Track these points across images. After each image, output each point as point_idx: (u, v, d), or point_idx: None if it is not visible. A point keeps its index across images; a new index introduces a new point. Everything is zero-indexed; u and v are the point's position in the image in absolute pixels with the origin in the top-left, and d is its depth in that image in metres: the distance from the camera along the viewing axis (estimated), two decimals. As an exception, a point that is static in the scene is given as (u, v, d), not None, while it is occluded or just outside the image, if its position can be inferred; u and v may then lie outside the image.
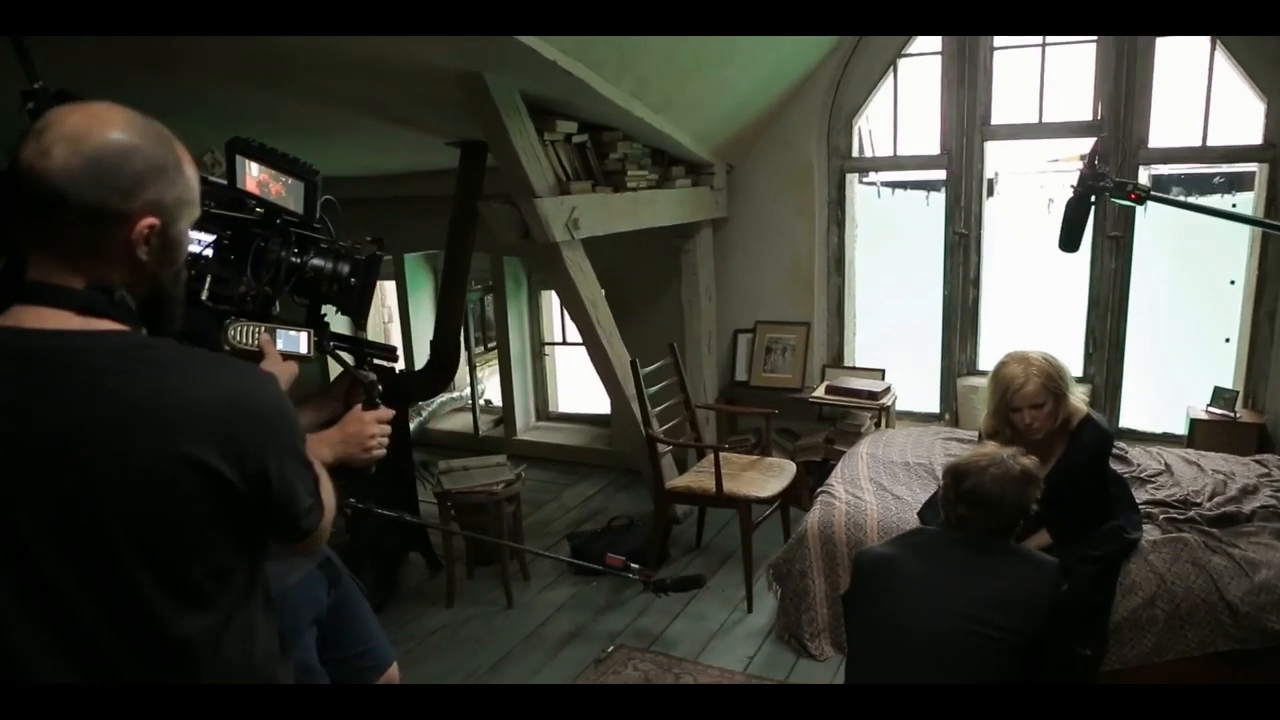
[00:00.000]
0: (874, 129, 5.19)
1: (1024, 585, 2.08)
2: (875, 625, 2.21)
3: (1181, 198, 4.08)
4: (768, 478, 3.98)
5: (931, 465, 3.93)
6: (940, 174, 4.92)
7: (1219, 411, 4.33)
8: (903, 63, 4.83)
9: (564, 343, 6.29)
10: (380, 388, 1.89)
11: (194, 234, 1.65)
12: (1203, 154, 4.42)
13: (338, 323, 1.92)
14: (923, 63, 4.80)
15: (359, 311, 1.85)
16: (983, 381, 4.82)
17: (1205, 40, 4.22)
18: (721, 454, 3.87)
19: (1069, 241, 2.44)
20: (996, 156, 4.93)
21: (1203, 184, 4.78)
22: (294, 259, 1.77)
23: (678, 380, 4.36)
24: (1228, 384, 4.47)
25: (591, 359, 4.26)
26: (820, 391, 4.89)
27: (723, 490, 3.79)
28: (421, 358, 5.48)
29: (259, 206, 1.73)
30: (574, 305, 3.95)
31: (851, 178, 5.12)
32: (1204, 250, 4.75)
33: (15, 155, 1.07)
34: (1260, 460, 3.85)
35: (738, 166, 5.08)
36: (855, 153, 5.08)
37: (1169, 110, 4.44)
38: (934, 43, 4.70)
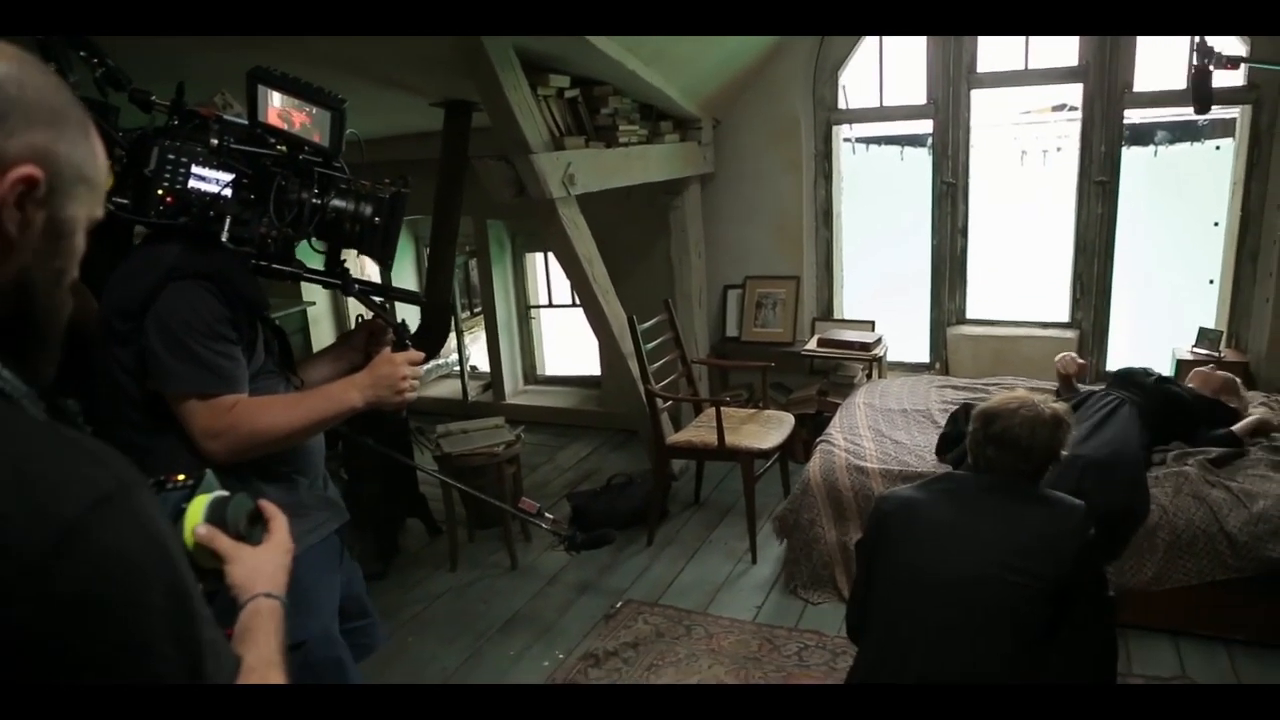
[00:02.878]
0: (859, 81, 5.18)
1: (1051, 530, 2.04)
2: (898, 571, 2.15)
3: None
4: (768, 430, 4.00)
5: (929, 411, 3.97)
6: (918, 128, 4.93)
7: (1204, 352, 4.40)
8: (888, 12, 4.80)
9: (550, 305, 6.26)
10: (410, 330, 1.87)
11: (212, 174, 1.61)
12: (1185, 97, 4.43)
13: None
14: (908, 11, 4.77)
15: (384, 254, 1.80)
16: (971, 330, 4.91)
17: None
18: (721, 408, 3.87)
19: (1202, 106, 2.92)
20: (977, 106, 4.94)
21: (1187, 130, 4.83)
22: (316, 199, 1.73)
23: (673, 336, 4.36)
24: (1211, 324, 4.55)
25: (588, 317, 4.24)
26: (812, 345, 4.90)
27: (725, 443, 3.80)
28: (411, 325, 5.40)
29: (281, 143, 1.69)
30: (570, 263, 3.91)
31: (838, 130, 5.10)
32: (1188, 193, 4.80)
33: None
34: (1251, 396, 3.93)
35: (724, 121, 5.05)
36: (841, 105, 5.06)
37: (1153, 54, 4.47)
38: (919, -9, 4.68)
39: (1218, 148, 4.65)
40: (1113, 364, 4.76)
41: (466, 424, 4.20)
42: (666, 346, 4.32)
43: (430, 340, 4.60)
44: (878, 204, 5.40)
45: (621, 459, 5.16)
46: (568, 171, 3.59)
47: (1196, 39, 2.80)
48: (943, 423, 3.71)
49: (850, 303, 5.39)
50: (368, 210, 1.76)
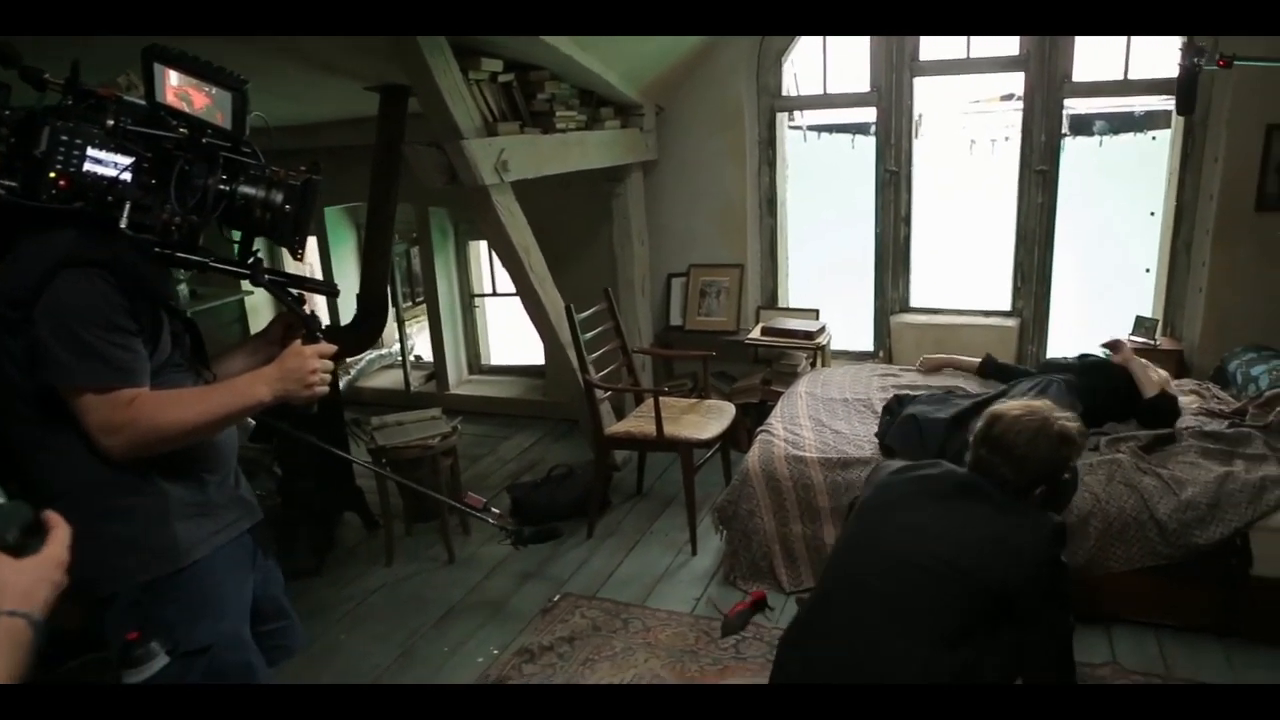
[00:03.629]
0: (803, 69, 5.15)
1: (1014, 542, 1.96)
2: (855, 534, 2.16)
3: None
4: (707, 420, 3.96)
5: (870, 400, 3.96)
6: (867, 115, 4.91)
7: (1140, 339, 4.44)
8: None
9: (494, 294, 6.16)
10: (321, 322, 1.79)
11: (110, 156, 1.52)
12: (1125, 87, 4.48)
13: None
14: (850, -3, 4.74)
15: (295, 243, 1.74)
16: (915, 318, 4.92)
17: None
18: (661, 398, 3.83)
19: (1185, 106, 2.80)
20: (921, 98, 4.94)
21: (1124, 121, 4.86)
22: (222, 185, 1.65)
23: (613, 325, 4.29)
24: (1148, 313, 4.59)
25: (525, 307, 4.17)
26: (755, 333, 4.87)
27: (663, 434, 3.75)
28: (347, 314, 5.30)
29: (183, 126, 1.60)
30: (505, 252, 3.84)
31: (781, 117, 5.07)
32: (1125, 183, 4.84)
33: None
34: (1183, 384, 3.98)
35: (667, 107, 4.99)
36: (785, 92, 5.03)
37: (1092, 44, 4.48)
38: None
39: (1154, 138, 4.69)
40: (1054, 351, 4.79)
41: (402, 415, 4.11)
42: (607, 336, 4.26)
43: (367, 330, 4.50)
44: (829, 192, 5.38)
45: (564, 450, 5.10)
46: (501, 158, 3.51)
47: (1185, 39, 2.78)
48: (880, 411, 3.71)
49: (796, 291, 5.37)
50: (279, 197, 1.70)
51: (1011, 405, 2.15)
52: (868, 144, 4.94)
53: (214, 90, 1.62)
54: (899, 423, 3.44)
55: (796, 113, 5.22)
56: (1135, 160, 4.83)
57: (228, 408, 1.65)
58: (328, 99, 4.62)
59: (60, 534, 1.11)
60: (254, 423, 3.83)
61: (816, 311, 5.00)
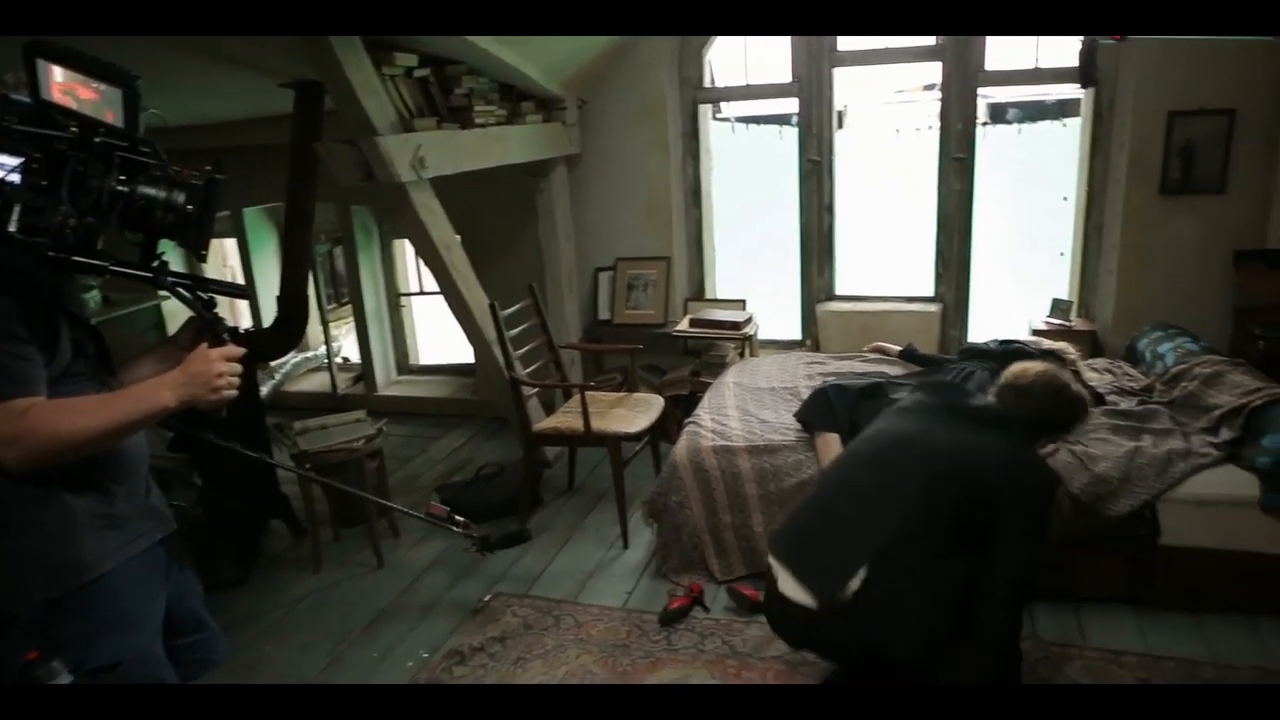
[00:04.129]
0: (725, 61, 5.16)
1: (1017, 469, 2.20)
2: (855, 442, 2.54)
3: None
4: (635, 413, 3.95)
5: (796, 389, 3.99)
6: (793, 106, 4.94)
7: (1057, 321, 4.56)
8: (749, -11, 4.79)
9: (421, 293, 6.07)
10: (227, 324, 1.75)
11: None
12: (1036, 76, 4.58)
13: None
14: (768, -11, 4.77)
15: (199, 244, 1.69)
16: (840, 306, 4.98)
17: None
18: (588, 392, 3.81)
19: (1087, 79, 3.11)
20: (846, 89, 4.99)
21: (1037, 110, 4.98)
22: (119, 186, 1.59)
23: (539, 321, 4.26)
24: (1064, 295, 4.72)
25: (449, 305, 4.11)
26: (684, 325, 4.89)
27: (591, 429, 3.74)
28: (269, 317, 5.19)
29: (74, 124, 1.54)
30: (426, 249, 3.78)
31: (705, 109, 5.08)
32: (1039, 169, 4.96)
33: None
34: (1096, 363, 4.10)
35: (590, 101, 4.96)
36: (707, 83, 5.04)
37: (1005, 35, 4.57)
38: (778, -32, 4.68)
39: (1065, 125, 4.81)
40: (975, 335, 4.90)
41: (326, 419, 4.03)
42: (533, 332, 4.22)
43: (288, 333, 4.40)
44: (757, 183, 5.41)
45: (495, 448, 5.05)
46: (417, 154, 3.46)
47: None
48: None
49: (724, 281, 5.40)
50: (180, 198, 1.65)
51: (1037, 364, 2.45)
52: (794, 134, 4.98)
53: (102, 87, 1.56)
54: (810, 396, 3.51)
55: (724, 104, 5.23)
56: (1050, 147, 4.95)
57: (130, 414, 1.59)
58: (240, 96, 4.50)
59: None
60: (172, 432, 3.73)
61: (744, 302, 5.04)
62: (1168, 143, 4.19)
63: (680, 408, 4.61)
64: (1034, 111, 5.29)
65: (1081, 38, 2.80)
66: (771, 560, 2.42)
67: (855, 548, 2.21)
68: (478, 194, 4.81)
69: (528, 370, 4.09)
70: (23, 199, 1.50)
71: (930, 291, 4.94)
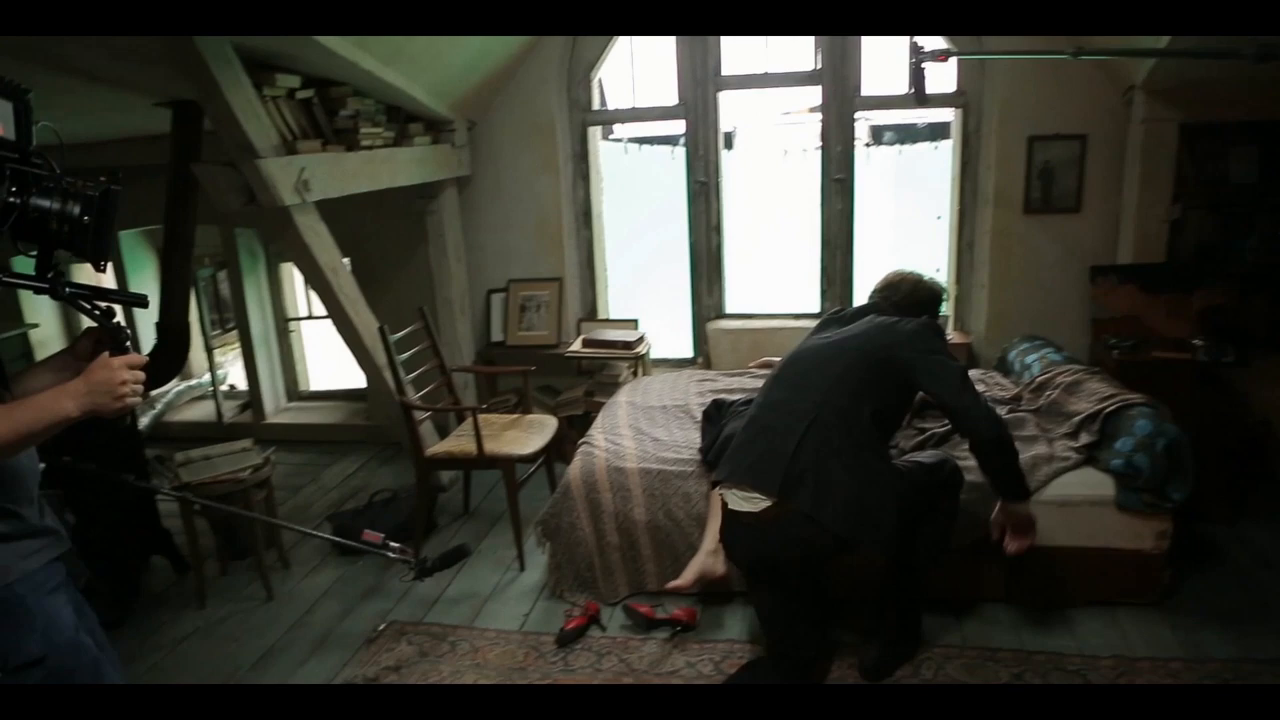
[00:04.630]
0: (614, 83, 5.25)
1: (898, 325, 2.77)
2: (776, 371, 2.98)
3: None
4: (529, 435, 3.97)
5: (688, 406, 4.07)
6: (675, 126, 5.06)
7: (935, 335, 4.76)
8: (634, 15, 4.89)
9: (310, 317, 5.95)
10: (128, 332, 1.73)
11: None
12: (908, 100, 4.78)
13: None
14: (653, 15, 4.87)
15: (97, 254, 1.68)
16: (730, 324, 5.10)
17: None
18: (481, 415, 3.80)
19: (919, 97, 3.23)
20: (734, 111, 5.13)
21: (912, 133, 5.22)
22: (11, 198, 1.57)
23: (430, 345, 4.23)
24: (941, 309, 4.93)
25: (338, 329, 4.05)
26: (577, 346, 4.92)
27: (485, 452, 3.73)
28: (148, 345, 5.00)
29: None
30: (312, 273, 3.72)
31: (594, 131, 5.14)
32: (915, 189, 5.19)
33: None
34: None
35: (479, 122, 4.97)
36: (596, 106, 5.11)
37: (880, 61, 4.79)
38: (662, -5, 4.79)
39: (936, 148, 5.06)
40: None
41: (210, 449, 3.90)
42: (424, 355, 4.19)
43: (168, 362, 4.26)
44: (649, 203, 5.49)
45: (389, 474, 4.98)
46: (301, 177, 3.41)
47: (912, 39, 3.12)
48: (699, 416, 3.82)
49: (615, 301, 5.46)
50: (75, 209, 1.63)
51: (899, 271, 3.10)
52: (684, 154, 5.09)
53: None
54: (722, 445, 3.40)
55: (616, 125, 5.31)
56: (925, 168, 5.19)
57: (31, 425, 1.58)
58: (114, 115, 4.34)
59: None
60: (43, 464, 3.56)
61: (636, 321, 5.11)
62: (1029, 165, 4.46)
63: (575, 427, 4.64)
64: (910, 134, 5.53)
65: (910, 60, 3.02)
66: (721, 491, 2.78)
67: (789, 433, 2.63)
68: (366, 216, 4.75)
69: (420, 394, 4.06)
70: None
71: (816, 308, 5.11)
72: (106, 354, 1.67)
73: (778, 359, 4.29)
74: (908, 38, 3.18)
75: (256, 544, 3.77)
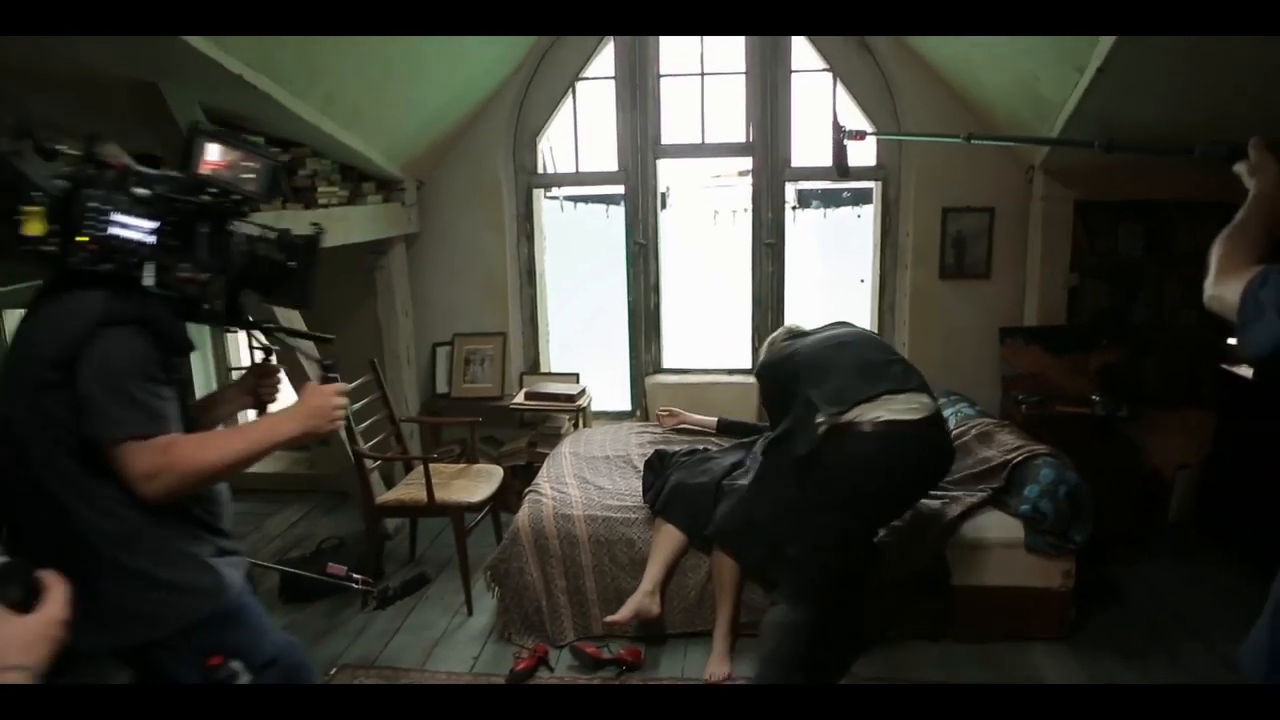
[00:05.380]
0: (557, 147, 5.50)
1: None
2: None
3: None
4: (477, 484, 4.11)
5: (629, 456, 4.27)
6: (615, 189, 5.33)
7: (859, 390, 5.07)
8: (580, 85, 5.18)
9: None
10: (337, 365, 1.99)
11: (136, 221, 1.68)
12: (834, 173, 5.16)
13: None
14: (599, 86, 5.17)
15: (303, 297, 1.95)
16: (667, 379, 5.33)
17: (829, 76, 4.96)
18: (430, 464, 3.93)
19: (841, 172, 3.42)
20: (668, 172, 5.43)
21: (837, 198, 5.59)
22: (243, 246, 1.85)
23: (380, 395, 4.36)
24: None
25: (289, 379, 4.13)
26: (520, 398, 5.09)
27: (435, 500, 3.86)
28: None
29: (211, 191, 1.78)
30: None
31: (538, 193, 5.38)
32: (841, 254, 5.55)
33: None
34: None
35: (428, 183, 5.16)
36: (540, 169, 5.35)
37: (807, 134, 5.16)
38: (608, 67, 5.09)
39: (859, 215, 5.44)
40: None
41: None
42: (374, 406, 4.32)
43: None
44: (586, 259, 5.74)
45: (334, 522, 5.03)
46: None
47: (834, 118, 3.39)
48: (640, 465, 4.02)
49: (557, 355, 5.66)
50: (282, 256, 1.90)
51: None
52: (620, 213, 5.36)
53: (253, 163, 1.83)
54: (670, 494, 3.67)
55: (551, 188, 5.55)
56: (848, 233, 5.56)
57: (258, 444, 1.79)
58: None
59: (58, 593, 1.16)
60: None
61: (577, 375, 5.30)
62: (943, 233, 4.85)
63: (519, 477, 4.79)
64: (835, 199, 5.90)
65: (832, 137, 3.33)
66: (865, 408, 2.82)
67: (898, 359, 3.16)
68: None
69: (370, 443, 4.17)
70: (156, 258, 1.70)
71: (748, 364, 5.38)
72: (314, 383, 1.91)
73: (698, 418, 4.57)
74: (831, 119, 3.48)
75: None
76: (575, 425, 5.09)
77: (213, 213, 1.79)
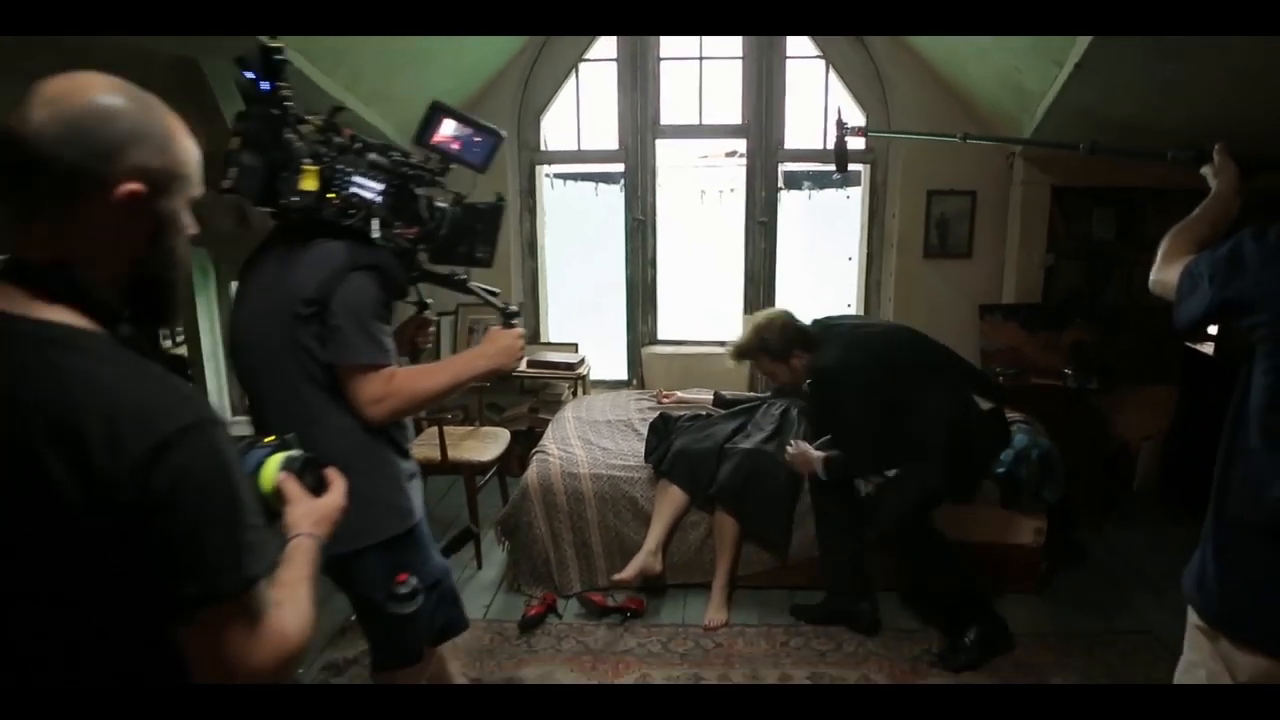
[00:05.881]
0: (555, 125, 5.68)
1: None
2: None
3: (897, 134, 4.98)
4: (486, 444, 4.33)
5: (630, 420, 4.51)
6: (614, 167, 5.53)
7: (845, 363, 5.33)
8: (583, 66, 5.37)
9: (258, 334, 6.14)
10: (518, 310, 2.24)
11: (368, 183, 1.93)
12: (825, 155, 5.39)
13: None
14: (601, 67, 5.37)
15: (487, 258, 2.23)
16: (663, 349, 5.57)
17: (821, 63, 5.19)
18: (442, 426, 4.15)
19: (840, 168, 3.59)
20: (662, 152, 5.63)
21: (826, 180, 5.80)
22: (446, 206, 2.13)
23: (394, 361, 4.55)
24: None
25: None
26: (522, 366, 5.29)
27: (447, 458, 4.08)
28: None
29: (432, 162, 2.07)
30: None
31: (541, 169, 5.57)
32: (829, 233, 5.78)
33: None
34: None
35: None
36: (543, 147, 5.54)
37: (800, 118, 5.39)
38: (610, 49, 5.29)
39: (848, 197, 5.67)
40: (777, 376, 5.60)
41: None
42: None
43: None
44: (579, 235, 5.92)
45: (341, 483, 5.22)
46: (290, 203, 3.72)
47: (837, 114, 3.56)
48: (643, 430, 4.25)
49: (556, 325, 5.87)
50: (469, 220, 2.18)
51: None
52: (608, 190, 5.58)
53: (480, 138, 2.11)
54: (674, 458, 3.87)
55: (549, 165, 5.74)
56: (837, 214, 5.79)
57: (458, 377, 2.08)
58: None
59: (340, 485, 1.44)
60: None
61: (576, 345, 5.52)
62: (927, 215, 5.10)
63: (520, 442, 5.01)
64: (824, 180, 6.12)
65: (836, 134, 3.50)
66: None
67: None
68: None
69: (383, 406, 4.36)
70: (381, 215, 1.96)
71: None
72: (497, 328, 2.17)
73: (698, 396, 4.78)
74: (835, 117, 3.55)
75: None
76: (574, 393, 5.32)
77: (426, 179, 2.06)
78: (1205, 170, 1.95)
